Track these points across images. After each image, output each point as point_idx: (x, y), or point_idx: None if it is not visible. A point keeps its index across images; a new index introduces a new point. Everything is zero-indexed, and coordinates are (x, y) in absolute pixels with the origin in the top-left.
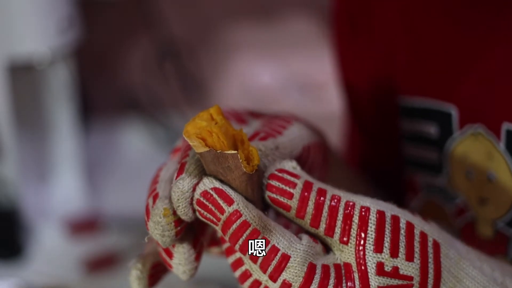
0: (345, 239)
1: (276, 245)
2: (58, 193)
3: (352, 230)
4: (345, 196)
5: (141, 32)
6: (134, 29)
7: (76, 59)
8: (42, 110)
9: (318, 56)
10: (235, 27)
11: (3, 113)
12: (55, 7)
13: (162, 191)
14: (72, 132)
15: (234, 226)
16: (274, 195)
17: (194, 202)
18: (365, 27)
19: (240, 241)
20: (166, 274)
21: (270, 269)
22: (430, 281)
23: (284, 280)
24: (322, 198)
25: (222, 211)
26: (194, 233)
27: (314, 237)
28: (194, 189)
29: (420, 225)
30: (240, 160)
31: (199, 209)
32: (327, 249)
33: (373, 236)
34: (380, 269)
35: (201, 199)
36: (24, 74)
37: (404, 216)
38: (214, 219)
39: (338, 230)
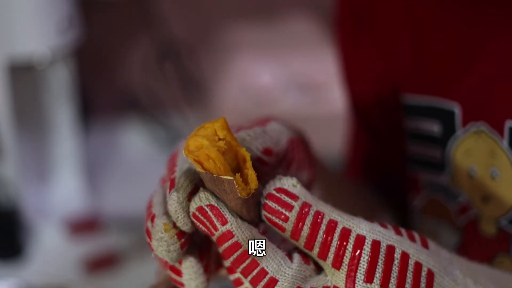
0: (337, 264)
1: (265, 268)
2: (58, 193)
3: (345, 257)
4: (343, 221)
5: (141, 32)
6: (134, 29)
7: (76, 59)
8: (42, 110)
9: (318, 56)
10: (235, 27)
11: (3, 113)
12: (55, 7)
13: (158, 211)
14: (72, 132)
15: (226, 245)
16: (270, 216)
17: (190, 214)
18: (369, 26)
19: (231, 259)
20: None
21: None
22: None
23: None
24: (318, 222)
25: (216, 228)
26: (199, 247)
27: (307, 256)
28: (189, 199)
29: (416, 254)
30: (236, 186)
31: (195, 221)
32: (320, 268)
33: (365, 266)
34: None
35: (197, 213)
36: (24, 74)
37: (401, 246)
38: (209, 233)
39: (331, 255)
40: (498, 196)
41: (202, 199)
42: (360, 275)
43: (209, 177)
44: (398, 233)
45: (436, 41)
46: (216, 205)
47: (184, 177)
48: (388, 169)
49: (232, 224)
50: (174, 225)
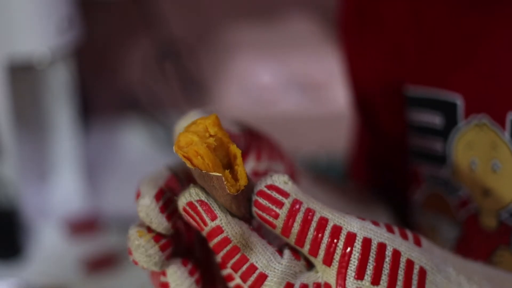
0: (328, 261)
1: (254, 263)
2: (58, 193)
3: (335, 254)
4: (333, 219)
5: (141, 32)
6: (134, 29)
7: (76, 59)
8: (42, 110)
9: (318, 56)
10: (235, 27)
11: (3, 113)
12: (55, 7)
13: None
14: (72, 132)
15: (216, 240)
16: (260, 212)
17: (180, 208)
18: (374, 23)
19: (221, 254)
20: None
21: (247, 286)
22: None
23: None
24: (308, 219)
25: (205, 223)
26: (182, 255)
27: (298, 252)
28: (157, 200)
29: (408, 252)
30: (225, 182)
31: (185, 214)
32: (311, 264)
33: (355, 264)
34: None
35: (187, 207)
36: (24, 74)
37: (392, 243)
38: (198, 228)
39: (321, 252)
40: (499, 189)
41: (192, 194)
42: (351, 271)
43: (199, 173)
44: (390, 230)
45: (439, 33)
46: (206, 200)
47: (145, 185)
48: (391, 165)
49: (222, 219)
50: (149, 230)
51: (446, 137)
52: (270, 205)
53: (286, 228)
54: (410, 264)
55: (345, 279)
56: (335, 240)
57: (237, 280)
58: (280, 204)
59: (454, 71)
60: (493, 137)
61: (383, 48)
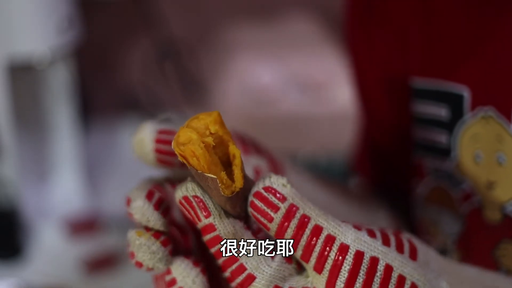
0: (318, 269)
1: (244, 264)
2: (57, 193)
3: (326, 263)
4: (328, 228)
5: (141, 32)
6: (134, 29)
7: (76, 59)
8: (42, 110)
9: (318, 56)
10: (235, 27)
11: (3, 113)
12: (55, 7)
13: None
14: (72, 132)
15: (208, 236)
16: (255, 214)
17: (176, 200)
18: (380, 12)
19: (212, 250)
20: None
21: (235, 284)
22: None
23: None
24: (303, 226)
25: (199, 219)
26: (183, 253)
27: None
28: (149, 200)
29: (400, 267)
30: (219, 184)
31: (180, 207)
32: (303, 266)
33: (345, 275)
34: None
35: (182, 201)
36: (24, 74)
37: (385, 258)
38: (193, 221)
39: (313, 260)
40: (504, 181)
41: (189, 189)
42: (340, 283)
43: (195, 172)
44: (386, 243)
45: (446, 25)
46: (201, 196)
47: (133, 191)
48: (394, 158)
49: (215, 218)
50: (147, 229)
51: (451, 129)
52: (265, 208)
53: (280, 233)
54: (401, 279)
55: None
56: (328, 249)
57: (227, 274)
58: (275, 208)
59: (461, 63)
60: (499, 130)
61: (390, 39)
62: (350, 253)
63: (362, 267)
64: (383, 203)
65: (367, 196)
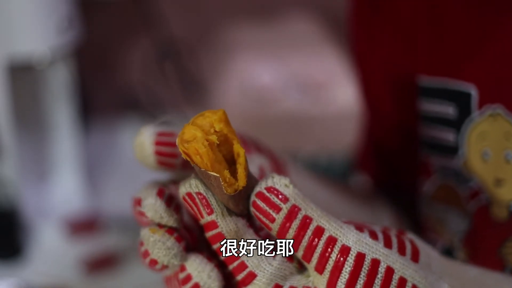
0: (320, 270)
1: (245, 262)
2: (57, 193)
3: (327, 264)
4: (330, 229)
5: (141, 32)
6: (134, 29)
7: (76, 59)
8: (42, 110)
9: (318, 56)
10: (235, 27)
11: (3, 113)
12: (55, 7)
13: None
14: (72, 132)
15: (211, 233)
16: (257, 213)
17: (180, 196)
18: (387, 9)
19: (215, 247)
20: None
21: (236, 280)
22: None
23: None
24: (304, 227)
25: (202, 216)
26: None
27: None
28: (160, 197)
29: (402, 269)
30: (222, 183)
31: (184, 202)
32: (303, 266)
33: (346, 276)
34: None
35: (186, 197)
36: (24, 74)
37: (386, 260)
38: (196, 217)
39: (314, 260)
40: None
41: (192, 185)
42: (341, 284)
43: (198, 169)
44: (388, 245)
45: (453, 22)
46: (204, 193)
47: (143, 191)
48: (399, 157)
49: (217, 215)
50: (160, 226)
51: (459, 127)
52: (267, 208)
53: (282, 233)
54: (402, 281)
55: None
56: (329, 250)
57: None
58: (277, 209)
59: (468, 61)
60: (507, 128)
61: (396, 38)
62: (352, 254)
63: (363, 269)
64: (386, 201)
65: (370, 194)
